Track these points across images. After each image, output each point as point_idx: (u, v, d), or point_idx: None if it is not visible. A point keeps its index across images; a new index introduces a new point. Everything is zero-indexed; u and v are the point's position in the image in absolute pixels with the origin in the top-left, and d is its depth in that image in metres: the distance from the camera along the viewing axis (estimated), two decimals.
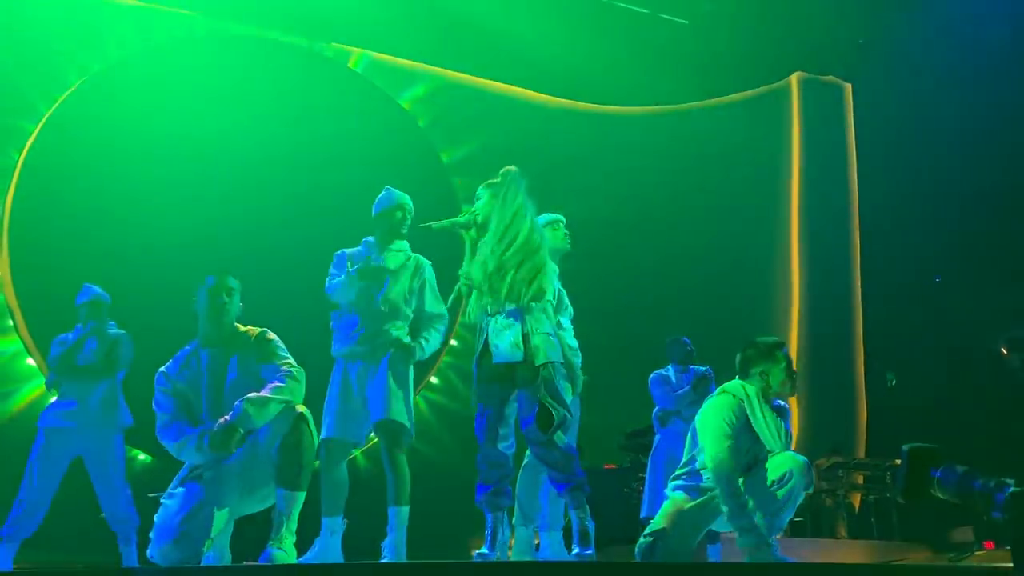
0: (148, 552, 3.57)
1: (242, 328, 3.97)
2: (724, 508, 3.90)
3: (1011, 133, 9.89)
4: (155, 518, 3.62)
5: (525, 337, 3.96)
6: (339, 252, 4.74)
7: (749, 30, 11.41)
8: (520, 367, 3.94)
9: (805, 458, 4.03)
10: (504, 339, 3.96)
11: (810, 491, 4.16)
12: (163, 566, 3.53)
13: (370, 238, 4.76)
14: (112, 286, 6.23)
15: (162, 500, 3.67)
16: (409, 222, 4.73)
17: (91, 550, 7.35)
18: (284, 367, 3.80)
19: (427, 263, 4.74)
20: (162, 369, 3.89)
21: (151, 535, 3.59)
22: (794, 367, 4.25)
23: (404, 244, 4.73)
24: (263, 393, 3.65)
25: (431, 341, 4.61)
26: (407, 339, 4.55)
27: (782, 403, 4.25)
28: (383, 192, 4.79)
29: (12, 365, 8.52)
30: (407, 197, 4.78)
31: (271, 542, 3.60)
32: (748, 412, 4.05)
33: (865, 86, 12.04)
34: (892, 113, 11.29)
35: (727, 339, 5.81)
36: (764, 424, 4.03)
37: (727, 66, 11.60)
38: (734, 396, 4.10)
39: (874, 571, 3.96)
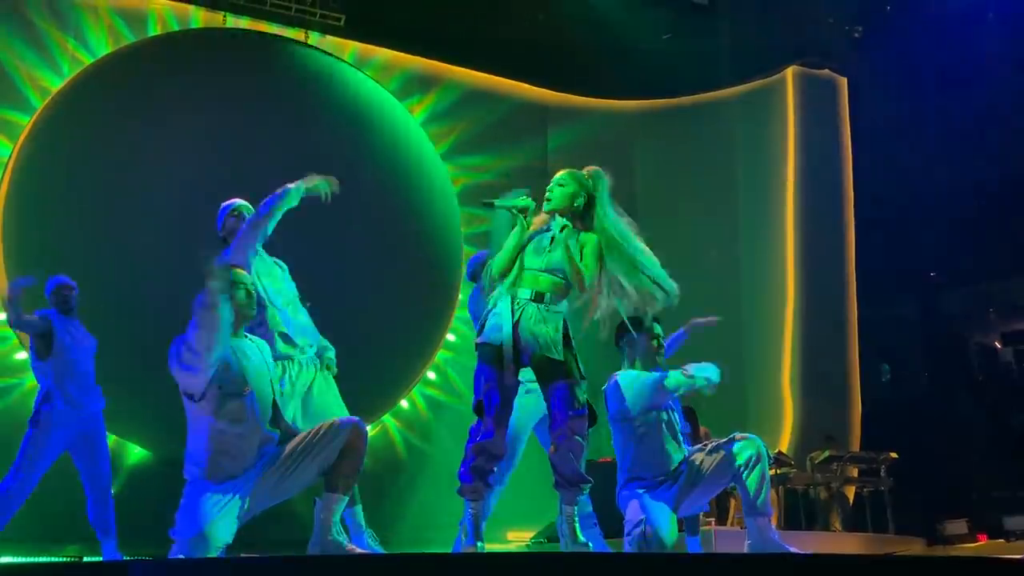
0: (171, 532, 3.57)
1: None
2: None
3: (1006, 127, 9.93)
4: (180, 506, 3.59)
5: (566, 332, 4.00)
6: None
7: (744, 24, 11.41)
8: (560, 361, 3.94)
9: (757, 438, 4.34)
10: (544, 331, 3.94)
11: (771, 460, 4.40)
12: (183, 556, 3.50)
13: None
14: (106, 278, 6.20)
15: (185, 489, 3.65)
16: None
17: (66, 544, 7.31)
18: None
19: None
20: None
21: (176, 516, 3.57)
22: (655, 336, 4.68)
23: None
24: None
25: None
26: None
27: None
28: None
29: (7, 359, 8.50)
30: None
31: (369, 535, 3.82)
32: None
33: (861, 80, 12.04)
34: (888, 107, 11.31)
35: (719, 333, 5.81)
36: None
37: (722, 60, 11.60)
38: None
39: (875, 562, 3.98)
